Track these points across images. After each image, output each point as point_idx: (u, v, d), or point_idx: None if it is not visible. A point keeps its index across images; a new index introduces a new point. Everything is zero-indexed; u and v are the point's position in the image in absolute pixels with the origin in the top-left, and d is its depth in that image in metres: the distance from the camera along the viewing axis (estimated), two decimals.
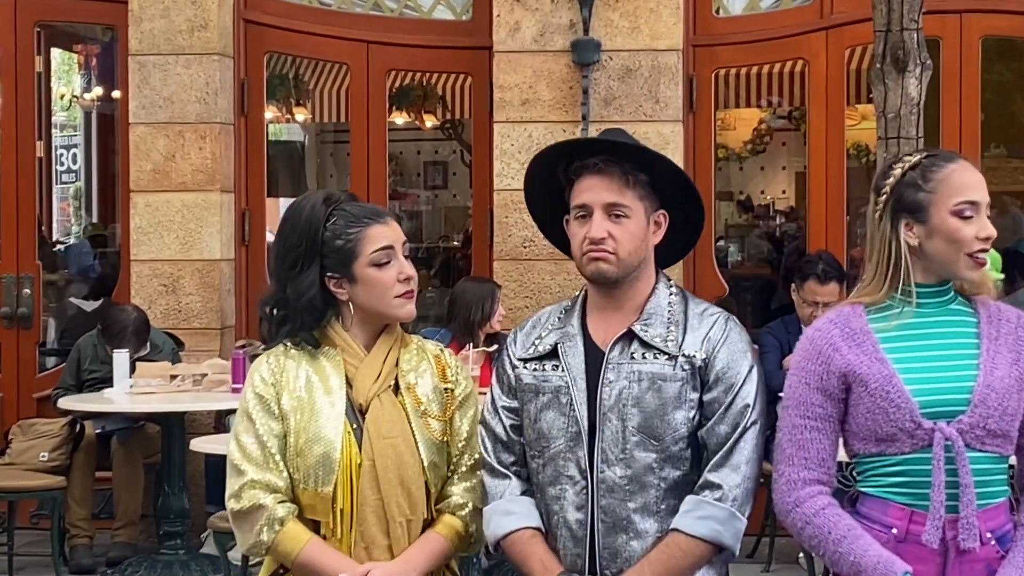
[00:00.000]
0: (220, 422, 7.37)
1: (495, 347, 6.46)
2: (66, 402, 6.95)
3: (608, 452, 2.92)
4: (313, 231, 3.03)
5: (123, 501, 7.19)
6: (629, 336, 2.97)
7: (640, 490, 2.91)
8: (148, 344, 7.26)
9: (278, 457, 3.01)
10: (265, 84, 8.19)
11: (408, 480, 3.01)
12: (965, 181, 2.83)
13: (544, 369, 3.01)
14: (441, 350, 3.18)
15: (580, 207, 2.98)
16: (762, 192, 14.60)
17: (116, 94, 9.44)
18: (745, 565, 6.80)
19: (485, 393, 3.18)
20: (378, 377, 3.04)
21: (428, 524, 3.07)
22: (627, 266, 2.97)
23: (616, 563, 2.93)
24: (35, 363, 8.27)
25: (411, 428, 3.04)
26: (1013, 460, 2.90)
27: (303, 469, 2.99)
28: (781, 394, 2.95)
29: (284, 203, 11.10)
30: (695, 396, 2.93)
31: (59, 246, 12.75)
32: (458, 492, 3.10)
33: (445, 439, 3.08)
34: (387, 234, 3.04)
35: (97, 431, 7.25)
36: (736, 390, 2.93)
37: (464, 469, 3.10)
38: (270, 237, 8.16)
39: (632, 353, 2.95)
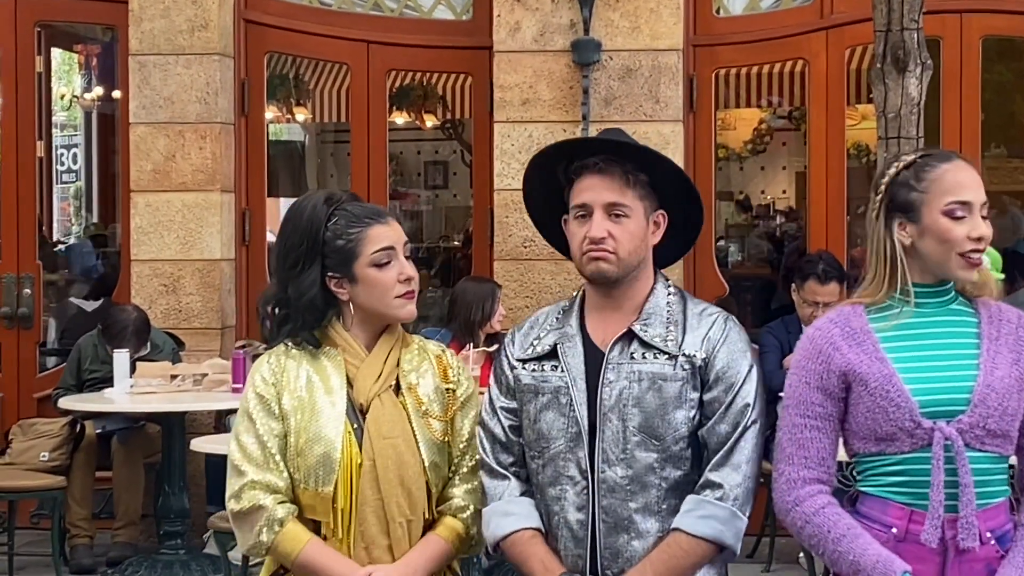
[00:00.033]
0: (220, 422, 7.37)
1: (495, 347, 6.46)
2: (66, 402, 6.95)
3: (609, 452, 2.92)
4: (314, 231, 3.02)
5: (123, 501, 7.20)
6: (629, 336, 2.97)
7: (641, 490, 2.92)
8: (148, 344, 7.26)
9: (278, 457, 3.01)
10: (265, 84, 8.19)
11: (408, 480, 3.01)
12: (957, 181, 2.83)
13: (543, 370, 3.01)
14: (443, 350, 3.18)
15: (580, 207, 2.98)
16: (762, 192, 14.61)
17: (116, 94, 9.44)
18: (745, 565, 6.80)
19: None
20: (379, 377, 3.04)
21: (429, 524, 3.07)
22: (627, 266, 2.97)
23: (617, 563, 2.93)
24: (35, 363, 8.27)
25: (412, 428, 3.03)
26: (1014, 460, 2.90)
27: (303, 469, 2.99)
28: (781, 394, 2.96)
29: (284, 203, 11.11)
30: (695, 396, 2.94)
31: (60, 246, 12.76)
32: (459, 494, 3.09)
33: (446, 439, 3.08)
34: (388, 234, 3.04)
35: (97, 431, 7.25)
36: (736, 389, 2.93)
37: (465, 470, 3.10)
38: (270, 237, 8.17)
39: (632, 353, 2.95)
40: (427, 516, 3.06)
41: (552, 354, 3.01)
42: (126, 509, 7.20)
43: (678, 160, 7.38)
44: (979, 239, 2.81)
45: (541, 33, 7.56)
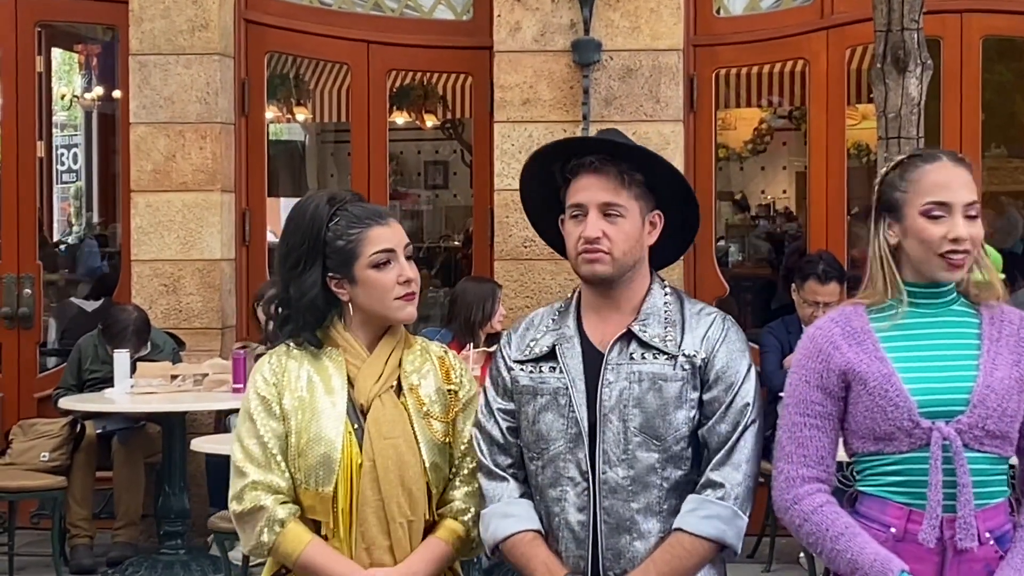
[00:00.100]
0: (221, 422, 7.37)
1: (496, 347, 6.46)
2: (67, 402, 6.95)
3: (610, 453, 2.92)
4: (316, 231, 3.03)
5: (124, 501, 7.19)
6: (628, 336, 2.96)
7: (643, 490, 2.92)
8: (149, 344, 7.26)
9: (280, 458, 3.01)
10: (266, 84, 8.19)
11: (409, 481, 3.01)
12: (937, 181, 2.83)
13: (541, 371, 3.01)
14: (445, 352, 3.18)
15: (576, 206, 2.98)
16: (763, 192, 14.62)
17: (117, 94, 9.44)
18: (746, 565, 6.80)
19: None
20: (380, 377, 3.04)
21: (429, 525, 3.07)
22: (622, 266, 2.97)
23: (619, 564, 2.93)
24: (36, 363, 8.27)
25: (413, 429, 3.03)
26: (1014, 460, 2.90)
27: (304, 469, 2.99)
28: (782, 394, 2.96)
29: (285, 203, 11.11)
30: (695, 395, 2.94)
31: (61, 246, 12.76)
32: (459, 496, 3.09)
33: (447, 440, 3.08)
34: (388, 236, 3.04)
35: (98, 431, 7.25)
36: (736, 389, 2.93)
37: (466, 472, 3.10)
38: (271, 237, 8.18)
39: (631, 354, 2.95)
40: (428, 517, 3.06)
41: (550, 355, 3.01)
42: (126, 509, 7.20)
43: (678, 160, 7.39)
44: (956, 240, 2.80)
45: (541, 33, 7.56)
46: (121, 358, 6.88)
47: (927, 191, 2.82)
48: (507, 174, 7.49)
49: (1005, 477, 2.86)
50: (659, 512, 2.92)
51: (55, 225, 13.88)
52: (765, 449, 2.96)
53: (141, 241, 7.81)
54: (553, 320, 3.07)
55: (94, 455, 7.21)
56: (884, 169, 2.92)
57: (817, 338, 2.89)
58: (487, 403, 3.08)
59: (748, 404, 2.93)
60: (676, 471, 2.93)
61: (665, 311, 3.00)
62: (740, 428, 2.91)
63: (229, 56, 7.87)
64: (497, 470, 3.03)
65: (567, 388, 2.96)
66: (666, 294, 3.04)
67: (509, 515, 3.00)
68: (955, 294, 2.89)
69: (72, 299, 9.48)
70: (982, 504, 2.78)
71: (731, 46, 7.79)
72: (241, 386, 6.49)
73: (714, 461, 2.91)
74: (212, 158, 7.77)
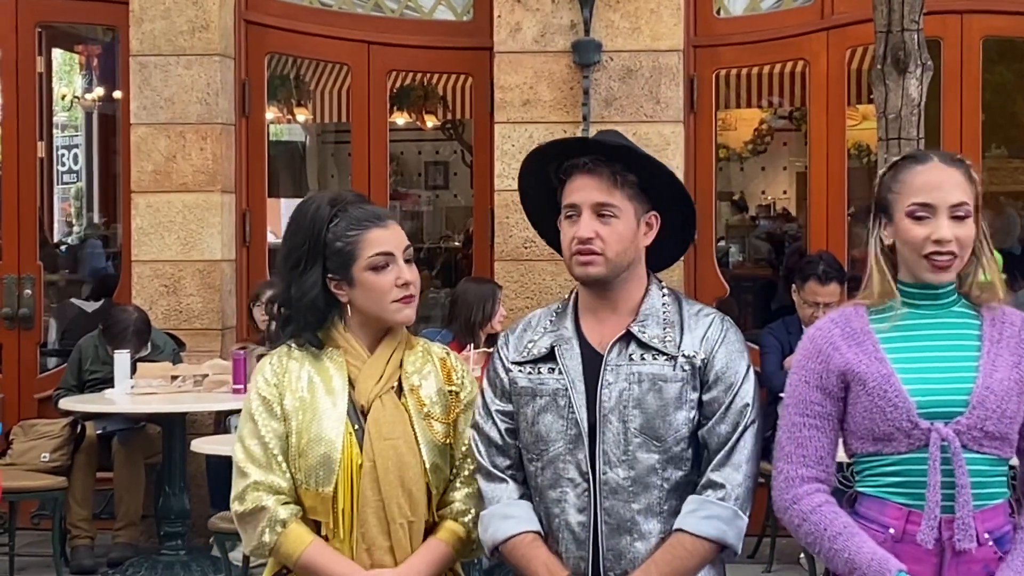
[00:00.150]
0: (221, 423, 7.37)
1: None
2: (67, 403, 6.95)
3: (610, 454, 2.92)
4: (316, 232, 3.04)
5: (124, 502, 7.20)
6: (627, 338, 2.96)
7: (643, 491, 2.92)
8: (149, 345, 7.26)
9: (281, 458, 3.01)
10: (266, 85, 8.20)
11: (409, 481, 3.01)
12: (924, 182, 2.83)
13: (540, 372, 3.01)
14: (447, 353, 3.18)
15: (570, 207, 2.99)
16: (763, 192, 14.63)
17: (117, 94, 9.45)
18: (746, 566, 6.80)
19: None
20: (380, 378, 3.04)
21: (430, 527, 3.08)
22: (615, 267, 2.97)
23: (620, 565, 2.93)
24: (36, 364, 8.27)
25: (413, 430, 3.04)
26: (1015, 462, 2.90)
27: (304, 469, 3.00)
28: (782, 394, 2.96)
29: (285, 204, 11.12)
30: (695, 396, 2.94)
31: (62, 247, 12.76)
32: (460, 498, 3.09)
33: (448, 441, 3.08)
34: (387, 239, 3.04)
35: (98, 432, 7.26)
36: (736, 389, 2.94)
37: (467, 473, 3.10)
38: (271, 238, 8.18)
39: (631, 355, 2.95)
40: (428, 519, 3.06)
41: (548, 357, 3.01)
42: (127, 510, 7.20)
43: (678, 161, 7.39)
44: (939, 241, 2.80)
45: (542, 34, 7.56)
46: (121, 359, 6.88)
47: (913, 192, 2.83)
48: (507, 175, 7.49)
49: (1005, 478, 2.86)
50: (660, 513, 2.92)
51: (55, 226, 13.88)
52: (765, 449, 2.96)
53: (141, 242, 7.81)
54: (551, 321, 3.07)
55: (94, 456, 7.21)
56: (882, 170, 2.93)
57: (817, 339, 2.89)
58: (485, 404, 3.07)
59: (747, 404, 2.94)
60: (676, 472, 2.93)
61: (664, 312, 3.00)
62: (740, 428, 2.92)
63: (229, 57, 7.87)
64: (496, 471, 3.03)
65: (566, 389, 2.96)
66: (664, 295, 3.04)
67: (509, 516, 3.00)
68: (956, 295, 2.89)
69: (72, 300, 9.47)
70: (981, 505, 2.78)
71: (731, 47, 7.79)
72: (241, 387, 6.49)
73: (714, 462, 2.92)
74: (212, 159, 7.77)
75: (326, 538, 3.01)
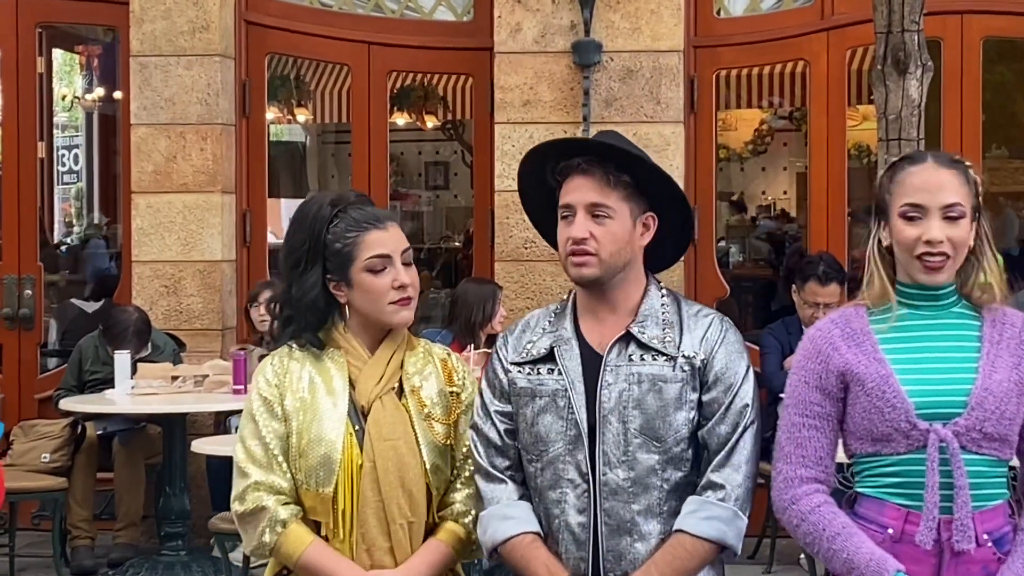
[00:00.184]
0: (221, 423, 7.37)
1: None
2: (67, 403, 6.95)
3: (610, 454, 2.92)
4: (317, 232, 3.04)
5: (124, 502, 7.20)
6: (627, 338, 2.96)
7: (643, 492, 2.92)
8: (149, 345, 7.26)
9: (281, 459, 3.02)
10: (266, 85, 8.20)
11: (409, 482, 3.01)
12: (917, 183, 2.83)
13: (539, 373, 3.01)
14: (448, 354, 3.19)
15: (565, 207, 2.99)
16: (763, 193, 14.63)
17: (117, 95, 9.44)
18: (746, 566, 6.80)
19: None
20: (381, 379, 3.05)
21: (430, 527, 3.08)
22: (609, 267, 2.97)
23: (621, 566, 2.93)
24: (36, 364, 8.27)
25: (414, 430, 3.04)
26: (1015, 462, 2.90)
27: (305, 470, 3.00)
28: (782, 395, 2.96)
29: (285, 204, 11.12)
30: (695, 397, 2.94)
31: (62, 247, 12.76)
32: (460, 499, 3.09)
33: (448, 442, 3.08)
34: (385, 241, 3.05)
35: (98, 432, 7.25)
36: (735, 390, 2.94)
37: (467, 474, 3.10)
38: (271, 238, 8.18)
39: (630, 355, 2.95)
40: (428, 520, 3.06)
41: (548, 357, 3.01)
42: (127, 510, 7.20)
43: (679, 161, 7.40)
44: (929, 242, 2.80)
45: (542, 34, 7.56)
46: (122, 359, 6.88)
47: (905, 193, 2.84)
48: (508, 175, 7.49)
49: (1004, 479, 2.86)
50: (660, 513, 2.93)
51: (56, 226, 13.89)
52: (765, 450, 2.96)
53: (142, 242, 7.82)
54: (550, 322, 3.07)
55: (95, 456, 7.21)
56: (882, 171, 2.93)
57: (816, 339, 2.90)
58: (483, 405, 3.07)
59: (747, 405, 2.94)
60: (676, 472, 2.93)
61: (663, 312, 3.00)
62: (740, 429, 2.92)
63: (230, 57, 7.88)
64: (495, 472, 3.03)
65: (566, 390, 2.96)
66: (663, 296, 3.04)
67: (508, 517, 2.99)
68: (956, 296, 2.89)
69: (73, 300, 9.48)
70: (980, 506, 2.78)
71: (731, 47, 7.79)
72: (241, 387, 6.50)
73: (714, 462, 2.92)
74: (213, 159, 7.77)
75: (326, 538, 3.01)
